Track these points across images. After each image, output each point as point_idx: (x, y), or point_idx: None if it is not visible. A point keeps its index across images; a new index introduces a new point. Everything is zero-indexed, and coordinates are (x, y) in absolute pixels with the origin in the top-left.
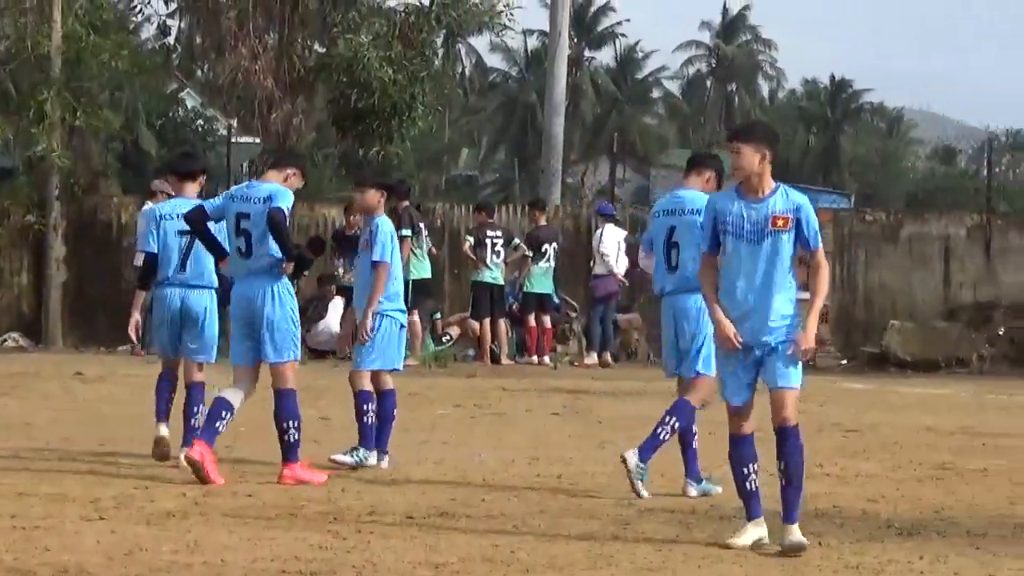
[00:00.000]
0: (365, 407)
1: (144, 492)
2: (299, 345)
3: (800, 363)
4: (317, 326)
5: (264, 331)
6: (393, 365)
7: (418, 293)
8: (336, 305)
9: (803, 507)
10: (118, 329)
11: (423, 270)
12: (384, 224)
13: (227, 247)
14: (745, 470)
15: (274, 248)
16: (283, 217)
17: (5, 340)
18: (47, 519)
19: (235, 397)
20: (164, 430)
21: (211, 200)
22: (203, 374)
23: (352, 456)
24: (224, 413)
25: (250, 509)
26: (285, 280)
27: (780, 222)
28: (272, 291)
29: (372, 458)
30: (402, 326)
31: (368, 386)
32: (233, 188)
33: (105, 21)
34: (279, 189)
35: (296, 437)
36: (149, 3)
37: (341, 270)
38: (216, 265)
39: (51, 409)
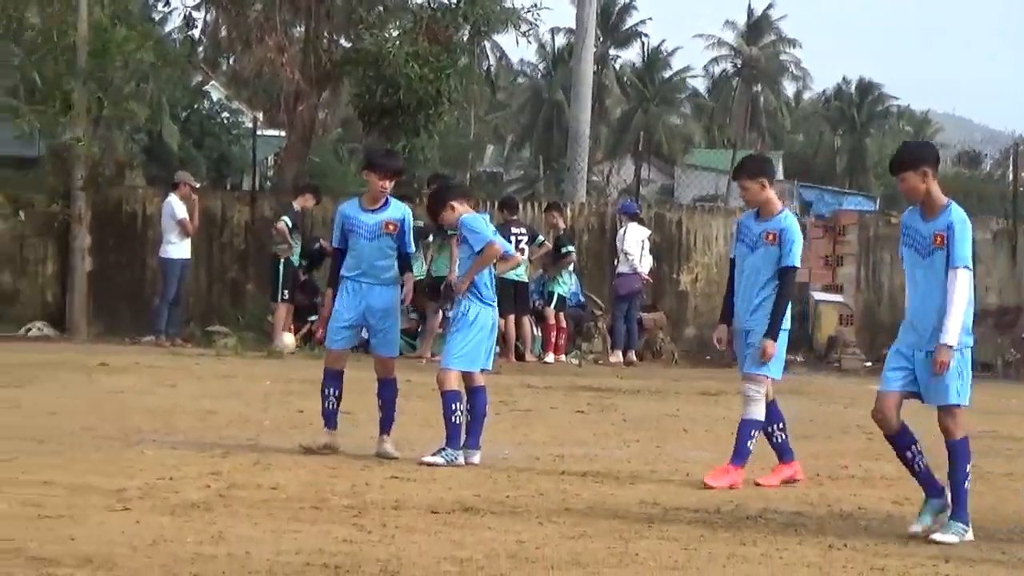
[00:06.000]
0: (453, 406)
1: (168, 483)
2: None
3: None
4: None
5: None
6: (483, 364)
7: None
8: None
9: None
10: (142, 319)
11: (444, 268)
12: (470, 218)
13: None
14: None
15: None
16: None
17: (30, 329)
18: (71, 509)
19: None
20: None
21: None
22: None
23: (441, 456)
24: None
25: (275, 502)
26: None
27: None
28: None
29: (460, 457)
30: (493, 324)
31: (456, 385)
32: None
33: (130, 12)
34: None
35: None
36: None
37: None
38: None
39: (75, 399)
